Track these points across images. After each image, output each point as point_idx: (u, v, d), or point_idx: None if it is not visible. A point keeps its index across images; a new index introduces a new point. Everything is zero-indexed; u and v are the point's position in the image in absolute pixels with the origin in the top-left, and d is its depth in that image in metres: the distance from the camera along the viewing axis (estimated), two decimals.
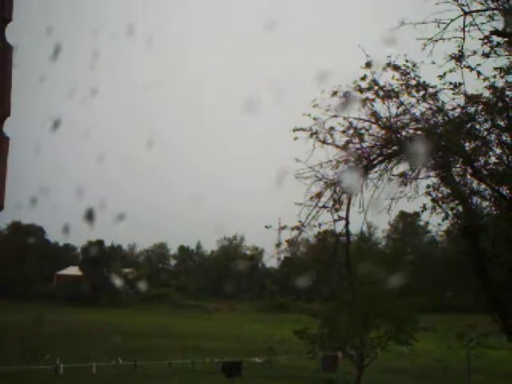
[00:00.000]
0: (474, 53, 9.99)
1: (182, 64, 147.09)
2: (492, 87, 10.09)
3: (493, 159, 10.49)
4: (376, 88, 10.21)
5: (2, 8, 1.69)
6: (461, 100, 10.27)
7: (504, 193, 10.68)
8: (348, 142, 10.42)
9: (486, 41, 9.89)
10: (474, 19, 9.88)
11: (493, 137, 10.43)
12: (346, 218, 10.64)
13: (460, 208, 10.89)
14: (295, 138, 10.16)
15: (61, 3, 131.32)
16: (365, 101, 10.20)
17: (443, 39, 10.04)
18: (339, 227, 10.64)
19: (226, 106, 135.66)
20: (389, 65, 10.13)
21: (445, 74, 10.07)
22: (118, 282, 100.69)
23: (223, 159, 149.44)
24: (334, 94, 10.07)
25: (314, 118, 10.18)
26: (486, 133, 10.37)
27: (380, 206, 10.45)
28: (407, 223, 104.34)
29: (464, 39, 10.01)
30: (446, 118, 10.41)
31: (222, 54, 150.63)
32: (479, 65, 10.00)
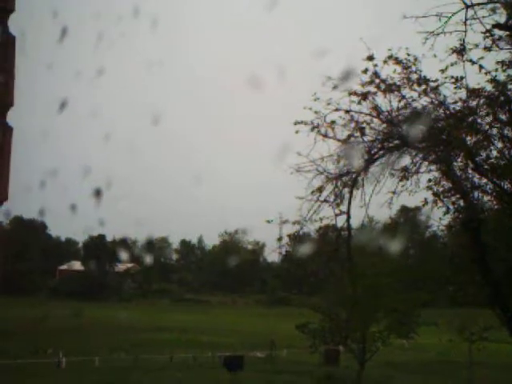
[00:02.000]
0: (476, 46, 9.96)
1: (185, 46, 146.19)
2: (494, 81, 10.07)
3: (494, 153, 10.48)
4: (377, 81, 10.19)
5: None
6: (462, 94, 10.26)
7: (505, 187, 10.67)
8: (349, 136, 10.41)
9: (487, 34, 9.87)
10: (475, 12, 9.86)
11: (494, 131, 10.41)
12: (348, 213, 10.64)
13: (461, 202, 10.89)
14: (296, 132, 10.16)
15: None
16: (366, 94, 10.18)
17: (445, 33, 10.02)
18: (341, 222, 10.66)
19: (230, 93, 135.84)
20: (390, 58, 10.11)
21: (446, 67, 10.04)
22: (119, 276, 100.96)
23: (225, 153, 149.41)
24: (335, 87, 10.05)
25: (316, 112, 10.17)
26: (487, 127, 10.36)
27: (381, 200, 10.47)
28: (408, 217, 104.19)
29: (466, 33, 9.99)
30: (447, 111, 10.39)
31: (225, 36, 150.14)
32: (481, 58, 9.98)
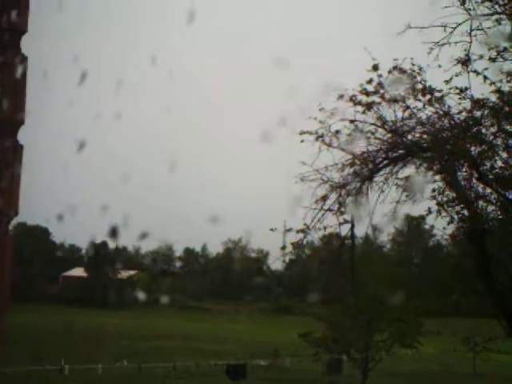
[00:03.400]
0: (481, 57, 9.98)
1: (200, 91, 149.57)
2: (498, 91, 10.08)
3: (499, 163, 10.49)
4: (382, 91, 10.23)
5: (17, 20, 1.74)
6: (467, 104, 10.28)
7: (510, 197, 10.67)
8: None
9: (492, 45, 9.89)
10: (480, 23, 9.88)
11: (499, 141, 10.42)
12: (351, 222, 10.65)
13: (465, 212, 10.89)
14: (301, 141, 10.19)
15: (89, 33, 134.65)
16: (371, 104, 10.22)
17: (450, 43, 10.05)
18: (344, 230, 10.67)
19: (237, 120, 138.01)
20: (395, 68, 10.15)
21: (451, 78, 10.07)
22: (122, 283, 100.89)
23: (228, 162, 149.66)
24: (340, 97, 10.10)
25: (320, 121, 10.21)
26: (492, 137, 10.37)
27: (385, 209, 10.48)
28: (412, 226, 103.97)
29: (471, 43, 10.02)
30: (452, 122, 10.41)
31: (238, 81, 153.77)
32: (486, 69, 10.00)
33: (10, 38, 1.80)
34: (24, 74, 1.85)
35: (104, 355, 39.69)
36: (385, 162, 10.52)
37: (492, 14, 9.81)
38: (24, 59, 1.84)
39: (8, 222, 1.75)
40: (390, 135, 10.45)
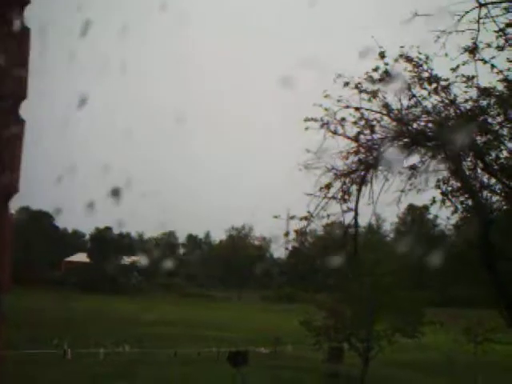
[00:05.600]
0: (489, 45, 9.88)
1: (211, 41, 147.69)
2: (505, 80, 10.00)
3: (504, 153, 10.43)
4: (388, 79, 10.15)
5: None
6: (473, 93, 10.20)
7: None
8: (359, 133, 10.39)
9: (500, 33, 9.79)
10: (489, 11, 9.77)
11: (505, 131, 10.36)
12: (355, 210, 10.63)
13: (470, 202, 10.85)
14: (306, 128, 10.14)
15: None
16: (376, 92, 10.15)
17: (457, 31, 9.94)
18: (348, 219, 10.65)
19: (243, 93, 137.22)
20: (401, 56, 10.07)
21: (458, 66, 9.98)
22: (125, 269, 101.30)
23: (231, 149, 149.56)
24: (346, 84, 10.03)
25: (326, 109, 10.15)
26: (498, 127, 10.30)
27: (389, 198, 10.45)
28: (416, 216, 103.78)
29: (478, 31, 9.91)
30: (457, 111, 10.34)
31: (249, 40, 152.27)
32: (493, 57, 9.90)
33: (13, 7, 1.75)
34: (26, 48, 1.80)
35: (106, 340, 39.86)
36: (390, 151, 10.47)
37: (501, 2, 9.70)
38: (26, 32, 1.79)
39: (8, 199, 1.69)
40: (395, 123, 10.39)
